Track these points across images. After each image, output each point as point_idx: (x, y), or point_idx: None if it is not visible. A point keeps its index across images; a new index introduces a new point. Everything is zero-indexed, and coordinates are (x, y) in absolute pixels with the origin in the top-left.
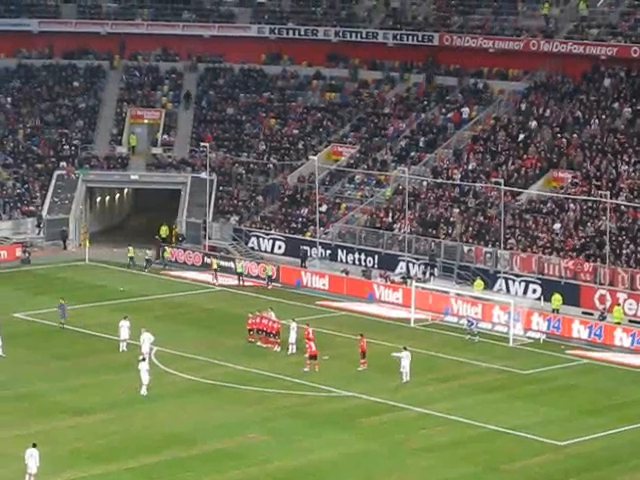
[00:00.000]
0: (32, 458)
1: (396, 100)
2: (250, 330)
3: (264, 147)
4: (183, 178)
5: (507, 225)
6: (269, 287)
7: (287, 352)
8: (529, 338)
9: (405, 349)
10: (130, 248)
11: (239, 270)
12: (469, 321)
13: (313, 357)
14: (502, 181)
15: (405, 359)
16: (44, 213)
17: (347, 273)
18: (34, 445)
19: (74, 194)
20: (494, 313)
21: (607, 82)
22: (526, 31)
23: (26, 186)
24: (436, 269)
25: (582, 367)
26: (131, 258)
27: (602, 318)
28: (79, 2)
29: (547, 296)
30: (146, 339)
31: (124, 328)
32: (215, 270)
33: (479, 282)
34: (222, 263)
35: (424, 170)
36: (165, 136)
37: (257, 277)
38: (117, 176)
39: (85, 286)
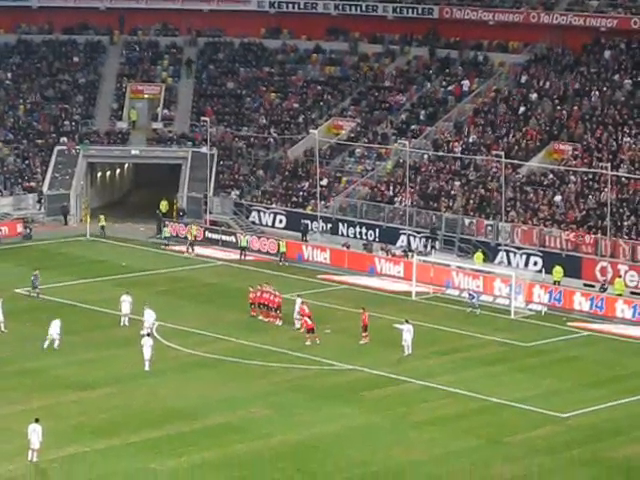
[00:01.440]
0: (35, 433)
1: (396, 73)
2: (252, 304)
3: (264, 121)
4: (184, 153)
5: (508, 198)
6: (282, 264)
7: (292, 327)
8: (530, 310)
9: (407, 322)
10: (101, 217)
11: (242, 244)
12: (470, 294)
13: (311, 330)
14: (503, 154)
15: (407, 332)
16: (45, 189)
17: (348, 247)
18: (37, 420)
19: (75, 169)
20: (495, 285)
21: (607, 54)
22: (526, 3)
23: (27, 162)
24: (437, 242)
25: (584, 339)
26: (102, 227)
27: (603, 290)
28: None
29: (548, 268)
30: (147, 316)
31: (125, 303)
32: (191, 241)
33: (479, 255)
34: (217, 236)
35: (425, 143)
36: (165, 111)
37: (258, 251)
38: (118, 151)
39: (86, 261)
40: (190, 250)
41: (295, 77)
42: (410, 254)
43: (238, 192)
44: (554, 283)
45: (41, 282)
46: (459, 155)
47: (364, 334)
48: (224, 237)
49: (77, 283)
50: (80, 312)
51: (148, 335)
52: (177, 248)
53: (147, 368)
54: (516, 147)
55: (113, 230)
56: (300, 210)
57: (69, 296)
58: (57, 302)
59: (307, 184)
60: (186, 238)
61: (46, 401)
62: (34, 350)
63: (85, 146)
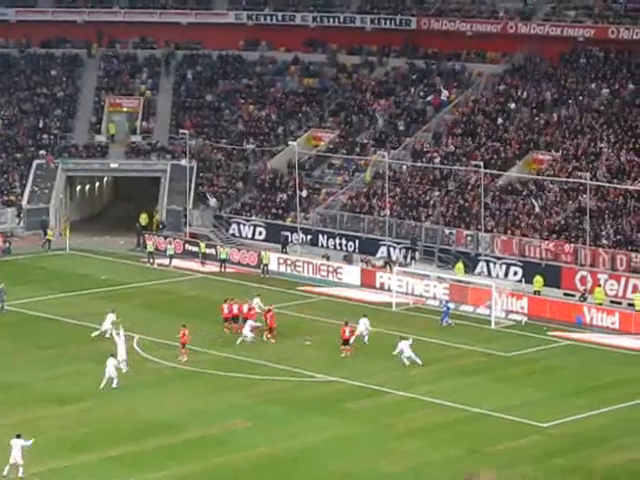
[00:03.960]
0: (17, 448)
1: (375, 84)
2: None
3: (243, 133)
4: (163, 165)
5: (487, 207)
6: (263, 275)
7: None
8: (511, 320)
9: (403, 339)
10: (49, 231)
11: (222, 256)
12: (445, 305)
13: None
14: (482, 163)
15: (407, 347)
16: (24, 203)
17: (328, 258)
18: (18, 436)
19: (54, 183)
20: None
21: (584, 63)
22: (504, 13)
23: (5, 176)
24: (417, 253)
25: (564, 348)
26: (49, 241)
27: (583, 299)
28: None
29: (528, 278)
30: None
31: (108, 321)
32: (150, 253)
33: (459, 265)
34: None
35: (404, 154)
36: (144, 124)
37: (239, 263)
38: (97, 164)
39: (66, 275)
40: (151, 261)
41: (274, 89)
42: (391, 265)
43: (215, 200)
44: (534, 293)
45: (21, 297)
46: (438, 165)
47: (343, 347)
48: (192, 247)
49: (57, 297)
50: (59, 326)
51: (112, 356)
52: (156, 261)
53: (115, 384)
54: (495, 156)
55: (93, 244)
56: (280, 222)
57: (49, 310)
58: (36, 316)
59: (286, 196)
60: (146, 249)
61: (25, 416)
62: (14, 364)
63: (65, 160)
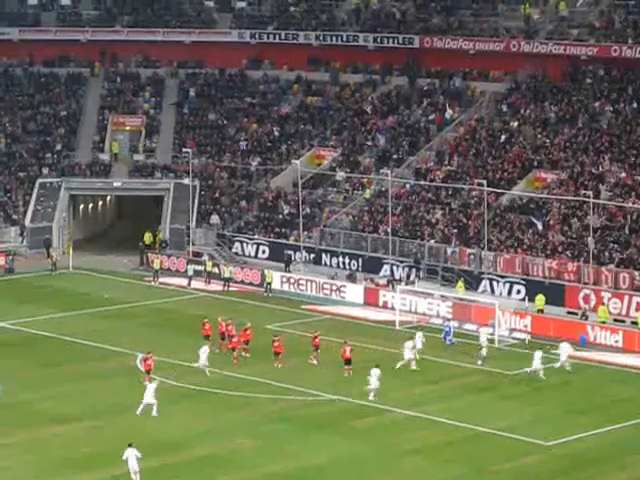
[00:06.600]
0: (132, 458)
1: (378, 103)
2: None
3: (246, 152)
4: (166, 184)
5: (491, 226)
6: (267, 294)
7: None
8: (514, 339)
9: (377, 367)
10: (53, 254)
11: (226, 275)
12: (447, 327)
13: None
14: (485, 182)
15: (374, 377)
16: (27, 221)
17: (334, 277)
18: (130, 445)
19: (57, 202)
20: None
21: (588, 81)
22: (507, 31)
23: (9, 195)
24: (421, 271)
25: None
26: (54, 264)
27: (585, 318)
28: (59, 10)
29: (532, 296)
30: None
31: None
32: (156, 271)
33: (460, 284)
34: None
35: (406, 172)
36: (147, 142)
37: (242, 282)
38: (100, 183)
39: (69, 294)
40: (155, 279)
41: (277, 107)
42: (395, 283)
43: (217, 217)
44: (537, 311)
45: (24, 316)
46: (441, 184)
47: (347, 367)
48: (196, 267)
49: (59, 316)
50: (62, 345)
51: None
52: (159, 279)
53: (154, 413)
54: (498, 175)
55: (96, 262)
56: (283, 240)
57: (51, 329)
58: (39, 335)
59: (289, 214)
60: (150, 267)
61: (28, 435)
62: (18, 383)
63: (67, 179)
